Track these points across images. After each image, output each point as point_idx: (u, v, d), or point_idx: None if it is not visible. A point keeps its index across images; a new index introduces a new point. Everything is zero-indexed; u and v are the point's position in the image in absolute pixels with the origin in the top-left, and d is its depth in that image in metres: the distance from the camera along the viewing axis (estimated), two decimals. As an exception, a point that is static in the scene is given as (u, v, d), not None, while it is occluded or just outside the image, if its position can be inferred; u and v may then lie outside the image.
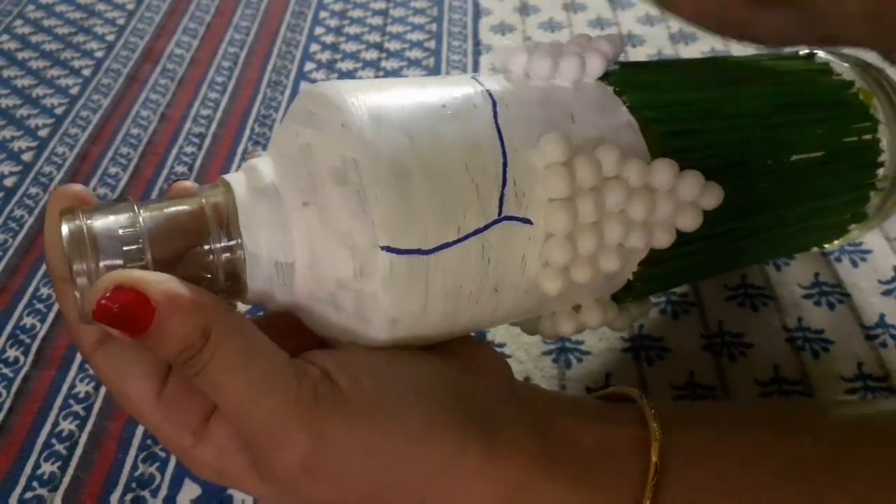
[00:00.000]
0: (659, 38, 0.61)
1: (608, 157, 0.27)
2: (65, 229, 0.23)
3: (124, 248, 0.23)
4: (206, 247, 0.24)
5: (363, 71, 0.60)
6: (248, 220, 0.25)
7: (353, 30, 0.65)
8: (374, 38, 0.64)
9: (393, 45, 0.62)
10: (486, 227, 0.25)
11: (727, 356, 0.37)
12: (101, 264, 0.23)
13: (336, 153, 0.25)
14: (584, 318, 0.30)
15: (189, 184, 0.26)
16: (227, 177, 0.26)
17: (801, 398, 0.35)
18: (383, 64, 0.60)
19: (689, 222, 0.28)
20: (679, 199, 0.28)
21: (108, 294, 0.22)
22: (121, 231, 0.23)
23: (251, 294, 0.25)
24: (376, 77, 0.59)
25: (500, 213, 0.25)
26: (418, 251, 0.24)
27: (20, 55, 0.64)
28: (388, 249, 0.24)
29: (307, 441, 0.23)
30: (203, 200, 0.25)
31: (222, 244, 0.24)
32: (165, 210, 0.24)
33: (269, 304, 0.26)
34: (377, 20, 0.66)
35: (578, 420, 0.27)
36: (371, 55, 0.61)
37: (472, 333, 0.29)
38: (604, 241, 0.27)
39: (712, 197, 0.28)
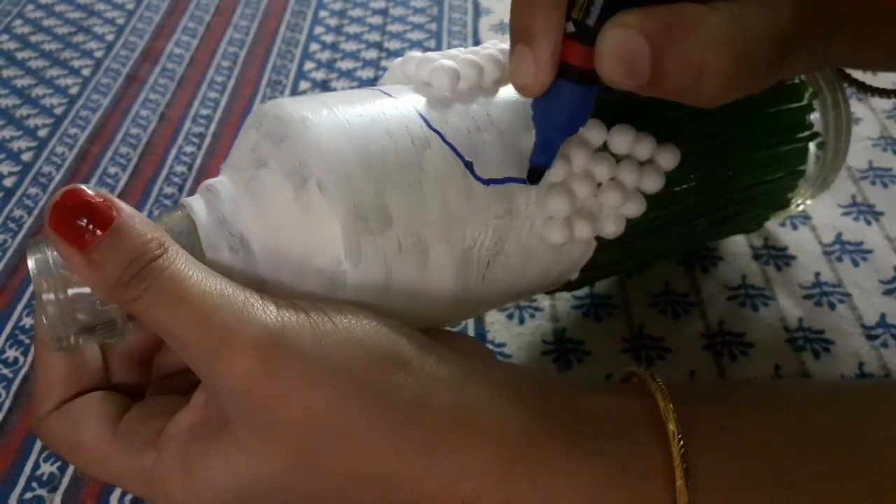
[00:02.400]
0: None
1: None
2: (31, 262, 0.23)
3: None
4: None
5: (362, 70, 0.60)
6: (208, 238, 0.25)
7: (352, 29, 0.65)
8: (374, 37, 0.64)
9: (393, 45, 0.62)
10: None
11: (728, 356, 0.37)
12: (70, 292, 0.23)
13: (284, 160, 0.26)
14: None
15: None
16: (186, 200, 0.26)
17: (814, 378, 0.35)
18: (383, 63, 0.60)
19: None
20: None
21: (69, 194, 0.23)
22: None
23: (200, 217, 0.26)
24: (376, 75, 0.59)
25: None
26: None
27: (20, 55, 0.64)
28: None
29: (259, 353, 0.22)
30: (165, 222, 0.25)
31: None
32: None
33: (223, 217, 0.26)
34: (377, 19, 0.66)
35: (577, 390, 0.27)
36: (371, 54, 0.61)
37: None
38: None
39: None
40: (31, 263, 0.23)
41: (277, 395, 0.22)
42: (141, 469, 0.24)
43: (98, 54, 0.63)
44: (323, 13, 0.67)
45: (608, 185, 0.29)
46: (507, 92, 0.29)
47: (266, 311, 0.23)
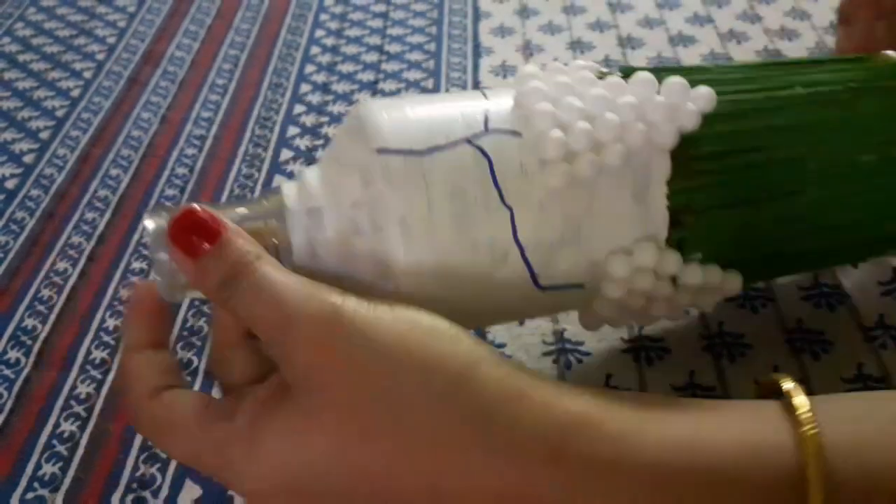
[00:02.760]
0: (658, 41, 0.61)
1: (582, 78, 0.31)
2: (149, 225, 0.28)
3: None
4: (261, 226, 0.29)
5: (363, 73, 0.60)
6: (289, 196, 0.29)
7: (353, 32, 0.65)
8: (375, 40, 0.64)
9: (393, 48, 0.63)
10: (475, 136, 0.29)
11: (727, 357, 0.37)
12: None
13: (346, 121, 0.30)
14: (635, 258, 0.30)
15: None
16: (282, 184, 0.30)
17: None
18: (383, 66, 0.60)
19: (687, 119, 0.30)
20: (668, 102, 0.30)
21: (186, 214, 0.27)
22: None
23: (296, 250, 0.29)
24: (376, 78, 0.59)
25: (486, 127, 0.29)
26: (410, 151, 0.28)
27: (21, 57, 0.64)
28: (382, 151, 0.28)
29: (320, 322, 0.25)
30: (262, 204, 0.29)
31: (273, 241, 0.29)
32: (228, 210, 0.29)
33: (315, 268, 0.29)
34: (377, 23, 0.66)
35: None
36: (371, 58, 0.62)
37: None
38: (597, 135, 0.29)
39: (705, 98, 0.30)
40: (149, 225, 0.28)
41: (332, 354, 0.25)
42: (214, 440, 0.26)
43: (100, 57, 0.64)
44: (323, 16, 0.68)
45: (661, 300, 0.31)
46: (617, 193, 0.29)
47: (330, 292, 0.25)
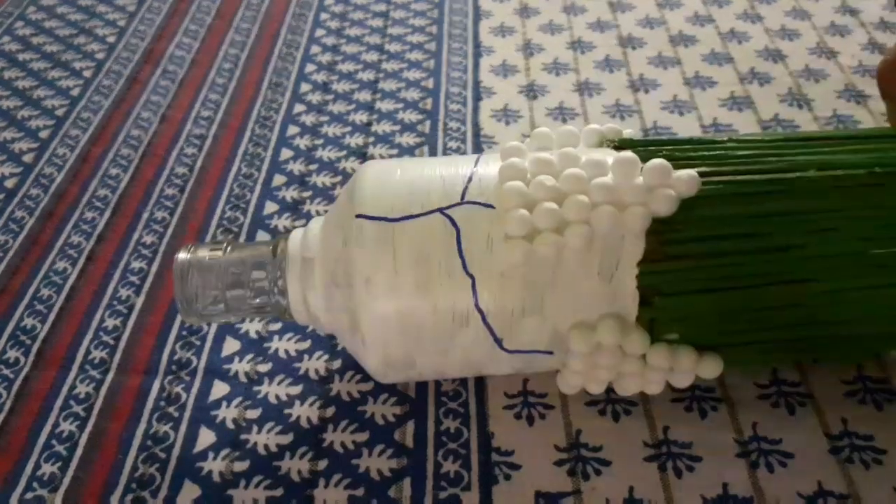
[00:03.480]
0: (658, 41, 0.61)
1: (564, 155, 0.32)
2: (178, 257, 0.34)
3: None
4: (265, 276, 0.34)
5: (363, 73, 0.60)
6: (292, 243, 0.34)
7: (353, 32, 0.65)
8: (375, 39, 0.64)
9: (393, 47, 0.62)
10: (449, 206, 0.31)
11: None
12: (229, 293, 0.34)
13: (350, 181, 0.33)
14: (598, 333, 0.30)
15: None
16: (294, 231, 0.34)
17: None
18: (384, 66, 0.60)
19: (663, 205, 0.30)
20: (647, 184, 0.30)
21: None
22: (208, 259, 0.34)
23: (292, 295, 0.33)
24: (376, 77, 0.59)
25: (462, 199, 0.31)
26: (385, 219, 0.31)
27: (21, 56, 0.64)
28: (361, 216, 0.31)
29: None
30: (267, 248, 0.34)
31: (276, 277, 0.34)
32: (245, 251, 0.34)
33: (308, 312, 0.33)
34: (378, 22, 0.66)
35: None
36: (372, 57, 0.62)
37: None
38: (564, 216, 0.30)
39: (686, 182, 0.30)
40: (177, 258, 0.34)
41: None
42: None
43: (99, 56, 0.64)
44: (324, 15, 0.67)
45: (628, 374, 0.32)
46: (583, 270, 0.30)
47: None
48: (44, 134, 0.55)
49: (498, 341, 0.31)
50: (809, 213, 0.31)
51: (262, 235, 0.46)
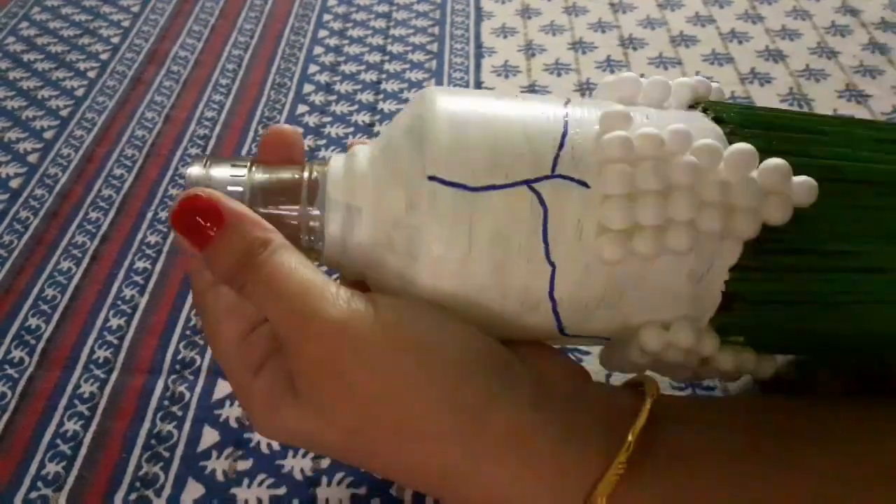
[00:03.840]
0: (660, 41, 0.61)
1: (675, 134, 0.27)
2: (190, 171, 0.28)
3: (228, 189, 0.28)
4: (296, 208, 0.28)
5: (366, 73, 0.60)
6: (334, 183, 0.28)
7: (356, 33, 0.65)
8: (378, 40, 0.64)
9: (396, 48, 0.63)
10: (537, 179, 0.26)
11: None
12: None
13: (409, 115, 0.28)
14: (671, 335, 0.28)
15: (287, 129, 0.29)
16: (333, 157, 0.29)
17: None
18: (386, 67, 0.61)
19: (777, 212, 0.26)
20: (762, 187, 0.26)
21: (187, 200, 0.26)
22: (231, 178, 0.28)
23: (328, 241, 0.28)
24: (378, 78, 0.59)
25: (553, 171, 0.26)
26: (464, 186, 0.26)
27: (26, 57, 0.64)
28: (434, 179, 0.26)
29: (322, 340, 0.25)
30: (305, 175, 0.28)
31: (309, 211, 0.28)
32: (272, 173, 0.28)
33: (343, 260, 0.28)
34: (380, 23, 0.66)
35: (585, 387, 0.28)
36: (374, 58, 0.62)
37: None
38: (668, 213, 0.26)
39: (804, 191, 0.27)
40: (189, 171, 0.28)
41: (333, 381, 0.25)
42: (243, 383, 0.27)
43: (104, 56, 0.64)
44: (327, 17, 0.68)
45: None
46: (673, 270, 0.27)
47: (336, 303, 0.25)
48: (48, 134, 0.56)
49: (561, 328, 0.28)
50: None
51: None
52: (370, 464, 0.27)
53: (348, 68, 0.61)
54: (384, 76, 0.59)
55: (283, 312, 0.25)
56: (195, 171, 0.28)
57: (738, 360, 0.29)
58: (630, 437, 0.24)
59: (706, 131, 0.28)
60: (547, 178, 0.26)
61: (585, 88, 0.57)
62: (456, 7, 0.67)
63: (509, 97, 0.29)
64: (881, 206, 0.28)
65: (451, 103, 0.27)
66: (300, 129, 0.29)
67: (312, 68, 0.61)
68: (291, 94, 0.58)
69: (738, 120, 0.29)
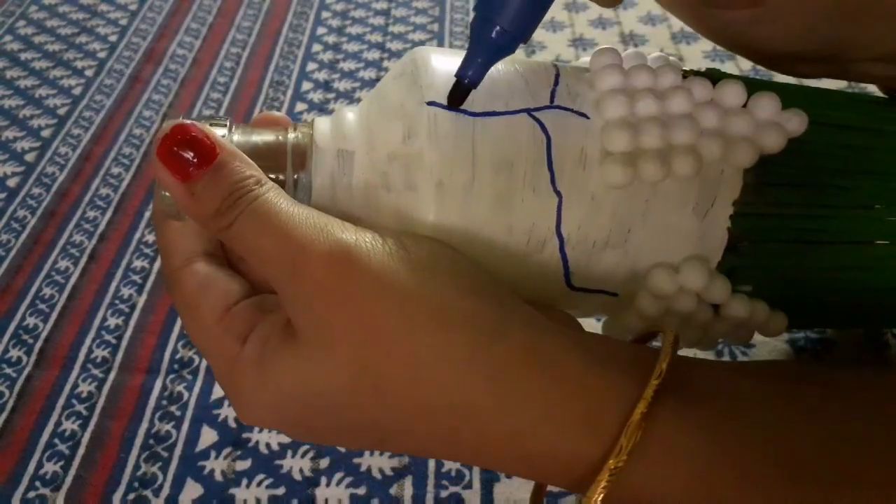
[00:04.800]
0: (661, 38, 0.61)
1: (667, 73, 0.27)
2: (164, 126, 0.25)
3: None
4: (280, 175, 0.26)
5: (365, 71, 0.60)
6: (322, 133, 0.26)
7: (355, 30, 0.65)
8: (376, 37, 0.64)
9: (395, 45, 0.62)
10: (537, 109, 0.26)
11: (728, 355, 0.37)
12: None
13: (399, 65, 0.27)
14: (682, 277, 0.27)
15: (279, 115, 0.28)
16: (318, 118, 0.27)
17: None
18: (385, 64, 0.60)
19: (772, 141, 0.26)
20: (756, 117, 0.27)
21: (177, 129, 0.24)
22: None
23: (316, 191, 0.26)
24: (378, 76, 0.59)
25: (552, 102, 0.26)
26: (463, 111, 0.25)
27: (23, 55, 0.64)
28: (433, 104, 0.25)
29: (331, 262, 0.23)
30: (289, 135, 0.27)
31: (294, 176, 0.26)
32: (254, 135, 0.26)
33: (332, 212, 0.26)
34: (379, 20, 0.66)
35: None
36: (373, 55, 0.62)
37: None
38: (670, 137, 0.26)
39: (796, 121, 0.27)
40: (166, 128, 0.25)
41: (344, 306, 0.22)
42: (227, 356, 0.24)
43: (101, 55, 0.64)
44: (325, 14, 0.67)
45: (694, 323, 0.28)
46: (678, 201, 0.27)
47: (343, 230, 0.23)
48: (46, 133, 0.55)
49: (567, 276, 0.27)
50: (891, 174, 0.29)
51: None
52: (380, 411, 0.23)
53: (347, 66, 0.61)
54: (383, 73, 0.59)
55: (280, 242, 0.23)
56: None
57: (751, 308, 0.28)
58: (661, 365, 0.23)
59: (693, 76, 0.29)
60: (546, 107, 0.26)
61: (585, 85, 0.56)
62: (455, 4, 0.67)
63: (508, 57, 0.28)
64: (868, 146, 0.29)
65: (443, 52, 0.27)
66: (289, 119, 0.28)
67: (311, 66, 0.61)
68: (290, 92, 0.58)
69: (718, 76, 0.29)
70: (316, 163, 0.26)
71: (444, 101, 0.25)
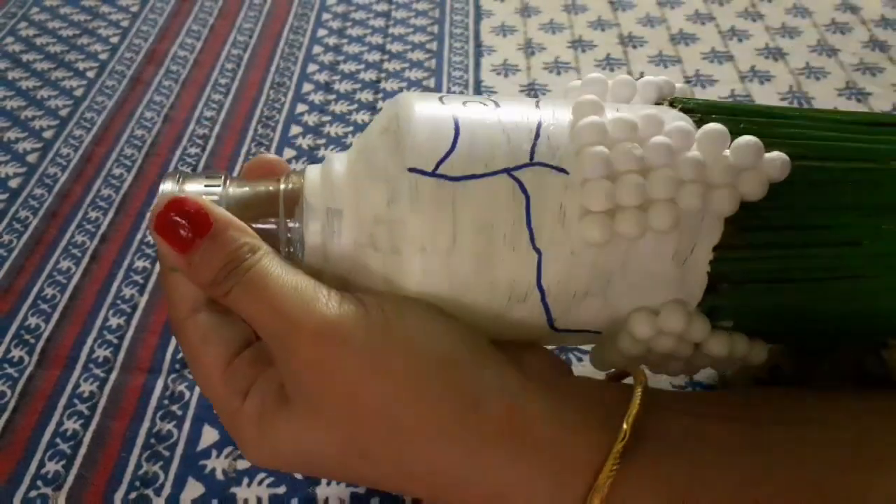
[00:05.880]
0: (659, 39, 0.61)
1: (648, 118, 0.28)
2: (163, 187, 0.27)
3: None
4: (274, 221, 0.28)
5: (365, 72, 0.60)
6: (312, 189, 0.28)
7: (355, 32, 0.65)
8: (377, 39, 0.64)
9: (395, 47, 0.63)
10: (516, 167, 0.26)
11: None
12: None
13: (385, 117, 0.28)
14: (661, 320, 0.28)
15: (271, 157, 0.30)
16: (309, 167, 0.29)
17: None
18: (385, 65, 0.60)
19: (753, 188, 0.27)
20: (737, 164, 0.27)
21: (172, 204, 0.25)
22: (206, 190, 0.27)
23: (309, 248, 0.27)
24: (378, 77, 0.59)
25: (531, 159, 0.27)
26: (444, 177, 0.26)
27: (25, 57, 0.64)
28: (414, 170, 0.26)
29: (318, 342, 0.24)
30: (281, 186, 0.28)
31: (287, 223, 0.28)
32: (248, 187, 0.28)
33: (325, 267, 0.28)
34: (379, 22, 0.66)
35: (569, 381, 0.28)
36: (373, 57, 0.62)
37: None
38: (648, 192, 0.26)
39: (777, 166, 0.27)
40: (165, 189, 0.27)
41: (330, 383, 0.24)
42: (231, 409, 0.26)
43: (103, 56, 0.64)
44: (326, 16, 0.68)
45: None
46: (657, 252, 0.27)
47: (328, 305, 0.25)
48: (48, 134, 0.56)
49: (551, 321, 0.28)
50: (874, 206, 0.29)
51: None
52: (368, 472, 0.26)
53: (348, 67, 0.61)
54: (384, 75, 0.59)
55: (272, 316, 0.25)
56: (168, 186, 0.27)
57: (730, 344, 0.28)
58: (625, 426, 0.24)
59: (676, 117, 0.29)
60: (526, 165, 0.26)
61: (585, 87, 0.57)
62: (455, 5, 0.67)
63: (477, 100, 0.29)
64: (853, 180, 0.29)
65: (426, 105, 0.28)
66: (284, 160, 0.29)
67: (312, 67, 0.61)
68: (291, 94, 0.58)
69: (704, 109, 0.30)
70: (307, 222, 0.27)
71: (426, 166, 0.26)
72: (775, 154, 0.27)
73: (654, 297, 0.28)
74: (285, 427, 0.25)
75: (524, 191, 0.26)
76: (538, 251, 0.26)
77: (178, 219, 0.25)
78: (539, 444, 0.24)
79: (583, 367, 0.37)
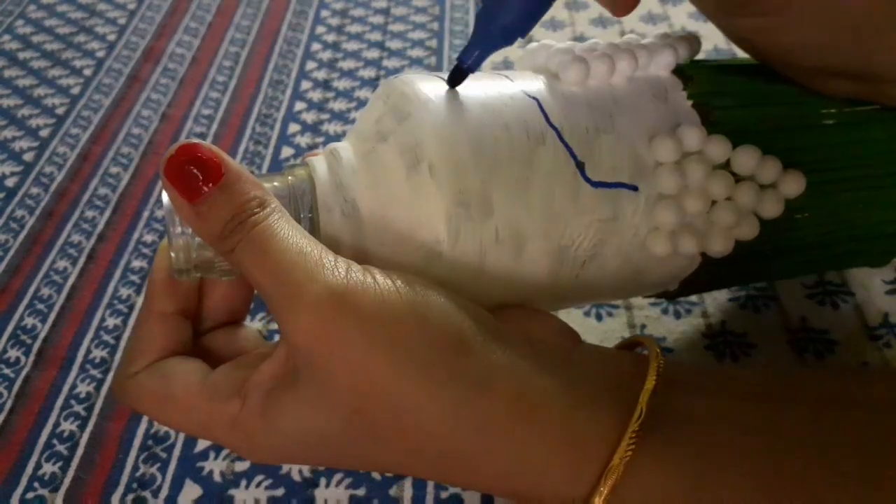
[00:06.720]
0: (661, 37, 0.61)
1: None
2: (165, 198, 0.25)
3: None
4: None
5: (364, 70, 0.59)
6: (324, 195, 0.27)
7: (354, 28, 0.65)
8: (376, 36, 0.64)
9: (394, 44, 0.62)
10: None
11: (730, 356, 0.37)
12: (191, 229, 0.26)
13: (384, 95, 0.28)
14: (681, 140, 0.29)
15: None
16: (311, 160, 0.28)
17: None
18: (385, 63, 0.60)
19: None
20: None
21: (185, 149, 0.25)
22: None
23: (324, 239, 0.27)
24: (377, 75, 0.59)
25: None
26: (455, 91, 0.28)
27: (21, 55, 0.64)
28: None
29: (321, 310, 0.23)
30: (289, 178, 0.27)
31: (301, 215, 0.27)
32: (261, 181, 0.27)
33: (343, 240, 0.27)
34: (378, 19, 0.66)
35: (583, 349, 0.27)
36: (373, 54, 0.61)
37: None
38: (608, 50, 0.29)
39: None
40: (166, 200, 0.25)
41: (335, 354, 0.23)
42: (227, 415, 0.25)
43: (100, 54, 0.63)
44: (325, 13, 0.67)
45: (723, 205, 0.29)
46: (637, 92, 0.29)
47: (334, 272, 0.23)
48: (44, 133, 0.55)
49: (579, 165, 0.27)
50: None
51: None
52: (374, 452, 0.25)
53: (346, 65, 0.60)
54: (382, 72, 0.59)
55: (276, 278, 0.23)
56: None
57: (760, 160, 0.29)
58: (641, 404, 0.24)
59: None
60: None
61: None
62: (455, 2, 0.67)
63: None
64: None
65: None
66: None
67: (310, 65, 0.61)
68: (289, 91, 0.58)
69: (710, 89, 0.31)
70: (321, 216, 0.27)
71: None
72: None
73: (659, 126, 0.29)
74: (291, 408, 0.24)
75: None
76: (534, 98, 0.28)
77: (189, 166, 0.24)
78: (551, 423, 0.24)
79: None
